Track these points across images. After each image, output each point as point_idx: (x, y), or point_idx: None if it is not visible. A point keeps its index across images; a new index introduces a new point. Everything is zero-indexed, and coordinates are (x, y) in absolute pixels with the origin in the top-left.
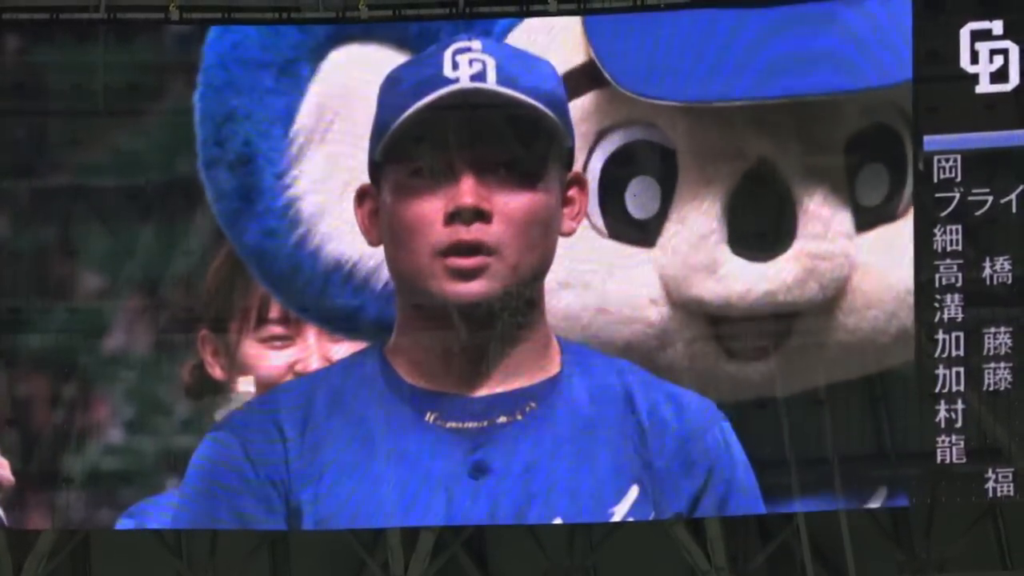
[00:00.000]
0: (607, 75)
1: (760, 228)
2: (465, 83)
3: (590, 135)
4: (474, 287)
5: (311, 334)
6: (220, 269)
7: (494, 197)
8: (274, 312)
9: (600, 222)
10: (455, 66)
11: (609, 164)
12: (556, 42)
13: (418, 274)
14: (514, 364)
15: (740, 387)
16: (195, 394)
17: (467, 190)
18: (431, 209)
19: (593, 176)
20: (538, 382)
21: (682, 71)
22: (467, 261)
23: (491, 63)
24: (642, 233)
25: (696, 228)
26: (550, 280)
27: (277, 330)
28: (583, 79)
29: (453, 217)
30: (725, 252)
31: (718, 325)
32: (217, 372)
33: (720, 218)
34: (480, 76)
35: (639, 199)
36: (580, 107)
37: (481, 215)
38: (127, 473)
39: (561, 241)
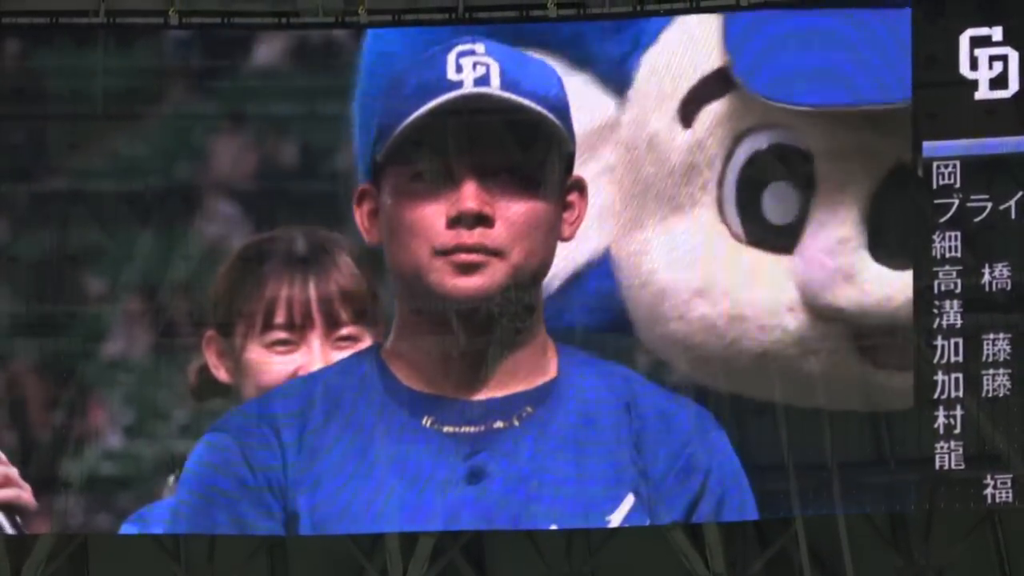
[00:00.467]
0: (736, 78)
1: (901, 234)
2: (469, 87)
3: (727, 140)
4: (475, 281)
5: (315, 340)
6: (230, 271)
7: (496, 202)
8: (280, 317)
9: (739, 229)
10: (459, 69)
11: (746, 169)
12: (696, 45)
13: (418, 271)
14: (511, 368)
15: (890, 397)
16: (200, 395)
17: (470, 195)
18: (432, 213)
19: (731, 181)
20: (535, 387)
21: (809, 74)
22: (469, 256)
23: (495, 67)
24: (780, 239)
25: (834, 234)
26: (687, 287)
27: (282, 335)
28: (720, 82)
29: (455, 222)
30: (864, 259)
31: (860, 333)
32: (222, 374)
33: (858, 224)
34: (484, 80)
35: (777, 204)
36: (716, 111)
37: (484, 220)
38: (126, 478)
39: (700, 248)
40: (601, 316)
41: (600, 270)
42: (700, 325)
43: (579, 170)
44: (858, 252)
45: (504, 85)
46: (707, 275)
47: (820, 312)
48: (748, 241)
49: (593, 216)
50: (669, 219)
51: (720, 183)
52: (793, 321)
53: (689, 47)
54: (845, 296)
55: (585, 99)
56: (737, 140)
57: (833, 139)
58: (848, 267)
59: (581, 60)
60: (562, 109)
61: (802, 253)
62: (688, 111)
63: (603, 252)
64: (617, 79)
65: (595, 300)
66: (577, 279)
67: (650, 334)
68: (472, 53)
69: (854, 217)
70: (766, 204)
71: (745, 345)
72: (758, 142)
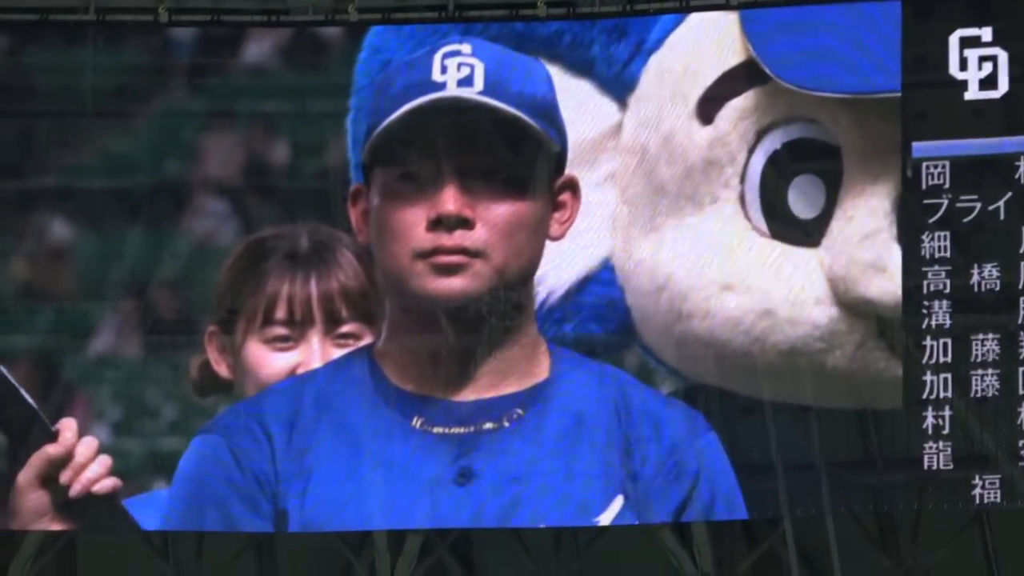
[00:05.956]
0: (767, 70)
1: None
2: (451, 89)
3: (750, 134)
4: (456, 283)
5: (315, 337)
6: (233, 267)
7: (477, 204)
8: (280, 313)
9: (762, 224)
10: (443, 70)
11: (770, 163)
12: (715, 41)
13: (401, 273)
14: (502, 368)
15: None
16: (202, 391)
17: (449, 197)
18: (414, 214)
19: (754, 176)
20: (526, 388)
21: (845, 63)
22: (449, 258)
23: (479, 68)
24: (806, 233)
25: (863, 226)
26: (711, 284)
27: (281, 331)
28: (742, 78)
29: (435, 224)
30: (894, 250)
31: (889, 326)
32: (223, 370)
33: (888, 215)
34: (467, 81)
35: (803, 198)
36: (739, 106)
37: (464, 222)
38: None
39: (723, 244)
40: (605, 324)
41: (604, 277)
42: (726, 320)
43: (583, 177)
44: (888, 244)
45: (487, 85)
46: (733, 271)
47: (850, 305)
48: (772, 235)
49: (599, 223)
50: (689, 217)
51: (743, 178)
52: (822, 315)
53: (706, 46)
54: (877, 288)
55: (587, 106)
56: (761, 135)
57: (860, 129)
58: (878, 258)
59: (582, 66)
60: (549, 109)
61: (830, 246)
62: (708, 108)
63: (608, 259)
64: (619, 85)
65: (600, 308)
66: (581, 287)
67: (665, 335)
68: (458, 54)
69: (884, 208)
70: (791, 198)
71: (772, 340)
72: (783, 136)
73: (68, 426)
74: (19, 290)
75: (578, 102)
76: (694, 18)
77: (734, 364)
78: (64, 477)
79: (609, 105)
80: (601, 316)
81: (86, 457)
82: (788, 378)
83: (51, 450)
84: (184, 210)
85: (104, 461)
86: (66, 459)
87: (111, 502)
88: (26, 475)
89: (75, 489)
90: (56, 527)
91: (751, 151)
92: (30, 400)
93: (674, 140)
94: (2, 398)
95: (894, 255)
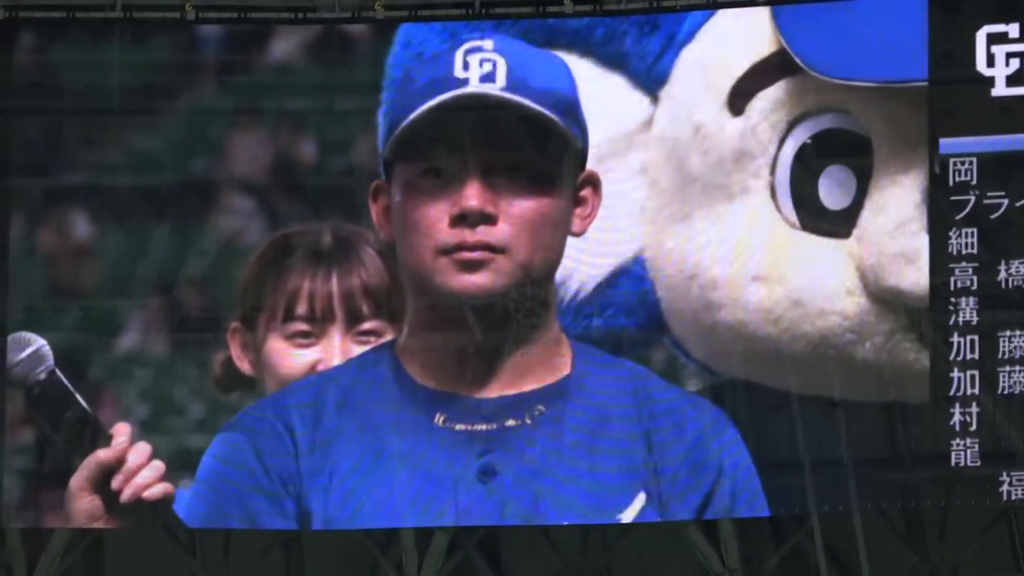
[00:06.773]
0: (798, 61)
1: None
2: (473, 85)
3: (781, 125)
4: (478, 279)
5: (336, 334)
6: (257, 263)
7: (500, 200)
8: (301, 309)
9: (792, 214)
10: (465, 66)
11: (800, 154)
12: (746, 33)
13: (424, 269)
14: (524, 365)
15: None
16: (225, 387)
17: (473, 193)
18: (437, 210)
19: (784, 167)
20: (547, 385)
21: (874, 53)
22: (472, 254)
23: (502, 64)
24: (836, 224)
25: (894, 216)
26: (741, 274)
27: (302, 327)
28: (774, 68)
29: (458, 220)
30: (925, 240)
31: (918, 318)
32: (246, 366)
33: (919, 206)
34: (490, 77)
35: (833, 189)
36: (771, 97)
37: (486, 218)
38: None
39: (753, 235)
40: (635, 317)
41: (636, 271)
42: (756, 311)
43: (613, 171)
44: (918, 235)
45: (510, 81)
46: (763, 261)
47: (880, 295)
48: (802, 226)
49: (631, 216)
50: (719, 207)
51: (773, 169)
52: (852, 305)
53: (737, 38)
54: (906, 278)
55: (619, 101)
56: (792, 125)
57: (890, 120)
58: (908, 249)
59: (615, 60)
60: (571, 105)
61: (860, 237)
62: (739, 99)
63: (640, 252)
64: (651, 78)
65: (630, 301)
66: (612, 281)
67: (694, 326)
68: (480, 50)
69: (914, 200)
70: (822, 189)
71: (802, 330)
72: (814, 127)
73: (122, 431)
74: (46, 288)
75: (611, 96)
76: (724, 11)
77: (763, 355)
78: (116, 482)
79: (641, 99)
80: (631, 310)
81: (138, 463)
82: (817, 370)
83: (103, 455)
84: (211, 208)
85: (157, 467)
86: (118, 464)
87: (163, 507)
88: (78, 479)
89: (126, 494)
90: (109, 527)
91: (782, 142)
92: (84, 403)
93: (705, 131)
94: (57, 401)
95: (924, 246)
